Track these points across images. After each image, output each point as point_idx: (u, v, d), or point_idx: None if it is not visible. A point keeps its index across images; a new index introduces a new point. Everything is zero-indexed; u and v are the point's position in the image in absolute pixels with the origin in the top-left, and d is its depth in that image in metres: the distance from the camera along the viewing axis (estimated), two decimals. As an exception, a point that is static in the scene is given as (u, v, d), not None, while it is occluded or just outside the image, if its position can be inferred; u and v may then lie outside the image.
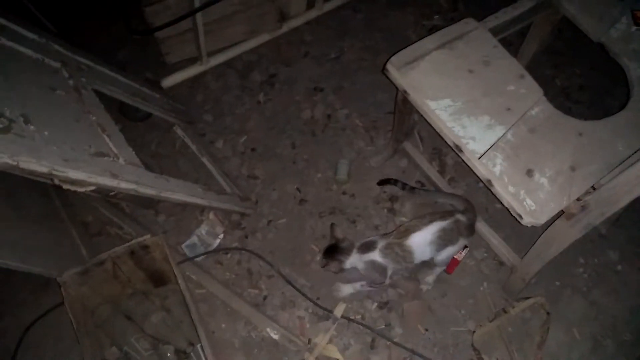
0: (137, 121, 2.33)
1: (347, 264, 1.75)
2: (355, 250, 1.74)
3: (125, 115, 2.28)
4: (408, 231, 1.69)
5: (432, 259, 1.76)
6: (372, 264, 1.73)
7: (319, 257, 1.93)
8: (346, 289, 1.91)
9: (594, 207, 1.30)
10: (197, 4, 2.06)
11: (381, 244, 1.71)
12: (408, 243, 1.68)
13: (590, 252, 2.00)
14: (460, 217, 1.69)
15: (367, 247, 1.73)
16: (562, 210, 1.35)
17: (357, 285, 1.89)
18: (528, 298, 1.87)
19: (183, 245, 2.06)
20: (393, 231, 1.75)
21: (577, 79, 2.47)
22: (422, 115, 1.52)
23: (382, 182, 2.12)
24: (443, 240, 1.68)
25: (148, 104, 2.09)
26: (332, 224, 1.80)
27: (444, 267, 1.89)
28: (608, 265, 1.99)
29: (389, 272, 1.77)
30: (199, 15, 2.13)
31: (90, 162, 1.39)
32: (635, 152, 1.37)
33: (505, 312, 1.86)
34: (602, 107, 2.34)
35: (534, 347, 1.81)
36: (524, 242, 1.85)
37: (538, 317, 1.87)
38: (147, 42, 2.50)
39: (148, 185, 1.54)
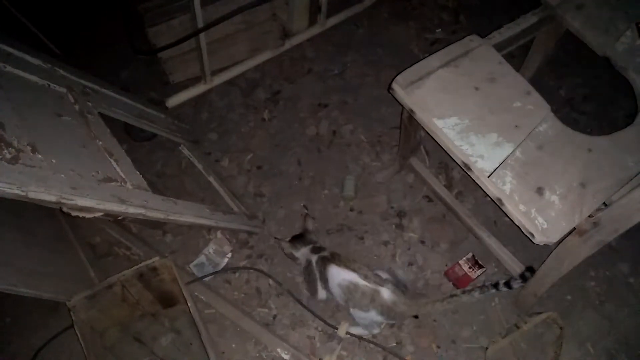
0: (142, 141, 2.34)
1: (298, 253, 1.83)
2: (310, 245, 1.80)
3: (130, 136, 2.29)
4: (334, 260, 1.68)
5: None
6: (307, 265, 1.77)
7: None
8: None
9: (606, 223, 1.29)
10: (200, 24, 2.07)
11: (322, 254, 1.74)
12: (328, 269, 1.68)
13: (601, 264, 1.98)
14: (383, 293, 1.59)
15: (314, 250, 1.78)
16: (573, 227, 1.34)
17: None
18: (540, 313, 1.85)
19: (191, 265, 2.05)
20: (338, 254, 1.73)
21: (582, 89, 2.47)
22: (428, 133, 1.52)
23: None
24: (351, 294, 1.62)
25: (153, 125, 2.09)
26: (306, 215, 1.91)
27: (366, 332, 1.82)
28: (619, 278, 1.97)
29: (320, 289, 1.78)
30: (202, 35, 2.14)
31: (98, 188, 1.39)
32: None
33: (518, 327, 1.84)
34: (607, 118, 2.33)
35: (548, 363, 1.79)
36: (534, 256, 1.84)
37: (551, 332, 1.85)
38: (151, 62, 2.52)
39: (155, 209, 1.53)
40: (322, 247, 1.81)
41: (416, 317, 1.74)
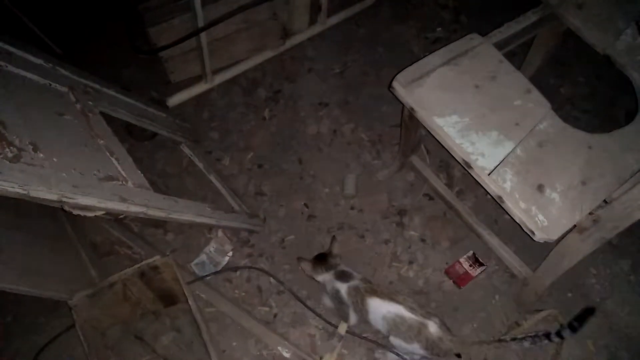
0: (143, 140, 2.34)
1: (319, 277, 1.76)
2: (332, 271, 1.74)
3: (132, 135, 2.29)
4: (375, 292, 1.63)
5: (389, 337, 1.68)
6: (336, 292, 1.72)
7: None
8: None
9: (606, 221, 1.29)
10: (201, 23, 2.07)
11: (353, 283, 1.68)
12: (367, 302, 1.64)
13: (602, 262, 1.99)
14: (431, 327, 1.53)
15: (341, 276, 1.72)
16: (574, 224, 1.34)
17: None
18: (541, 310, 1.86)
19: (192, 264, 2.06)
20: (370, 283, 1.70)
21: (582, 87, 2.47)
22: (429, 131, 1.52)
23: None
24: (396, 327, 1.58)
25: (154, 124, 2.10)
26: (334, 237, 1.80)
27: (406, 357, 1.77)
28: (620, 276, 1.97)
29: (351, 315, 1.74)
30: (203, 35, 2.14)
31: (99, 187, 1.39)
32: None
33: (518, 325, 1.85)
34: (608, 116, 2.33)
35: (549, 361, 1.79)
36: (535, 253, 1.83)
37: (551, 329, 1.84)
38: (151, 62, 2.52)
39: (157, 207, 1.54)
40: (346, 271, 1.74)
41: (459, 356, 1.58)
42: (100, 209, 1.37)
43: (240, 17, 2.28)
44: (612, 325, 1.87)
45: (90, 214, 1.37)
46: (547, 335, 1.38)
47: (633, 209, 1.21)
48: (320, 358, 1.81)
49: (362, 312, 1.67)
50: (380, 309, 1.61)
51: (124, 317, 1.88)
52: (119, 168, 1.56)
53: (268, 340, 1.88)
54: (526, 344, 1.43)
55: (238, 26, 2.40)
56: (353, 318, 1.76)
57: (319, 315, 1.90)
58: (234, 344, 1.89)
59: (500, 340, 1.52)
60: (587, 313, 1.35)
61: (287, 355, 1.84)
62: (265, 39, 2.55)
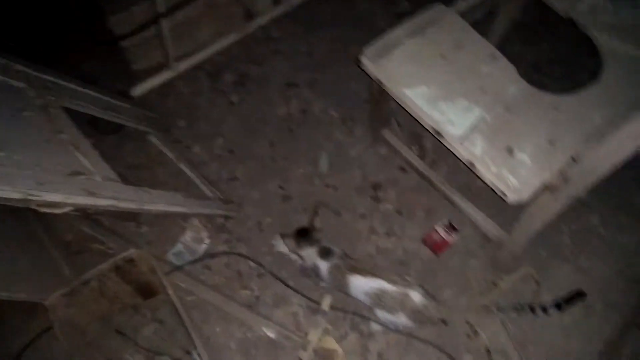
0: (109, 134, 2.27)
1: (303, 251, 1.77)
2: (315, 247, 1.75)
3: (96, 129, 2.22)
4: (356, 269, 1.65)
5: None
6: (317, 268, 1.73)
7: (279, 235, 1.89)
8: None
9: (575, 178, 1.32)
10: (161, 9, 2.01)
11: (334, 261, 1.70)
12: (348, 279, 1.65)
13: (572, 219, 2.04)
14: (414, 297, 1.55)
15: (323, 253, 1.73)
16: (544, 184, 1.37)
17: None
18: (517, 270, 1.91)
19: (169, 254, 2.03)
20: (351, 259, 1.72)
21: (547, 52, 2.51)
22: (399, 104, 1.53)
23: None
24: (380, 300, 1.61)
25: (120, 116, 2.04)
26: (315, 210, 1.81)
27: (389, 325, 1.79)
28: (590, 230, 2.04)
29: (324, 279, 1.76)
30: (164, 21, 2.09)
31: (65, 182, 1.35)
32: (610, 122, 1.40)
33: (496, 285, 1.90)
34: (573, 79, 2.37)
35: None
36: (508, 215, 1.86)
37: (528, 287, 1.90)
38: (113, 52, 2.43)
39: (128, 199, 1.51)
40: (328, 248, 1.75)
41: (445, 322, 1.65)
42: (68, 204, 1.33)
43: (202, 1, 2.23)
44: (585, 279, 1.92)
45: (58, 211, 1.33)
46: (533, 309, 1.41)
47: (600, 165, 1.23)
48: (306, 335, 1.82)
49: (342, 288, 1.69)
50: (362, 285, 1.63)
51: (102, 313, 1.84)
52: (85, 162, 1.52)
53: (252, 322, 1.88)
54: (512, 314, 1.45)
55: (200, 10, 2.33)
56: (327, 298, 1.78)
57: (301, 294, 1.91)
58: (218, 329, 1.89)
59: (486, 308, 1.56)
60: (578, 296, 1.38)
61: (272, 335, 1.85)
62: (229, 22, 2.49)
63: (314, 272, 1.76)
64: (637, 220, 2.05)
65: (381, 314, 1.65)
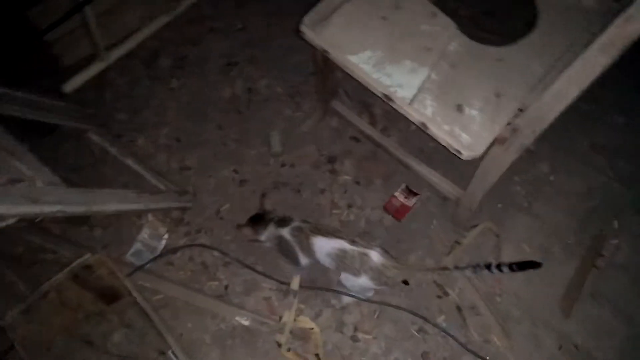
0: (44, 135, 2.14)
1: (263, 235, 1.76)
2: (272, 223, 1.74)
3: (29, 132, 2.07)
4: (318, 231, 1.64)
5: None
6: (280, 239, 1.73)
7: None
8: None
9: (524, 128, 1.34)
10: (81, -4, 1.88)
11: (294, 224, 1.69)
12: (311, 241, 1.65)
13: (523, 169, 2.10)
14: (373, 256, 1.56)
15: (282, 222, 1.72)
16: (495, 137, 1.39)
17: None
18: (476, 226, 1.95)
19: (128, 255, 1.95)
20: (310, 223, 1.70)
21: (480, 6, 2.52)
22: (345, 72, 1.50)
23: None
24: (341, 261, 1.61)
25: (53, 115, 1.92)
26: (262, 194, 1.81)
27: (360, 296, 1.81)
28: (541, 178, 2.11)
29: (302, 258, 1.74)
30: (87, 8, 1.95)
31: (4, 192, 1.27)
32: (551, 69, 1.42)
33: (459, 243, 1.94)
34: (508, 29, 2.39)
35: (491, 270, 1.90)
36: (462, 172, 1.90)
37: (489, 240, 1.96)
38: (37, 48, 2.26)
39: (75, 202, 1.43)
40: (285, 217, 1.74)
41: (406, 283, 1.66)
42: (11, 215, 1.25)
43: (124, -16, 2.10)
44: (542, 225, 2.00)
45: (2, 224, 1.25)
46: (488, 267, 1.44)
47: (546, 112, 1.26)
48: (280, 317, 1.81)
49: (309, 252, 1.69)
50: (325, 246, 1.62)
51: (66, 324, 1.76)
52: (23, 168, 1.43)
53: (224, 313, 1.84)
54: (468, 272, 1.49)
55: (125, -7, 2.21)
56: (303, 260, 1.76)
57: (270, 277, 1.89)
58: (190, 325, 1.84)
59: (444, 269, 1.59)
60: (531, 266, 1.41)
61: (246, 323, 1.82)
62: (157, 4, 2.38)
63: (282, 244, 1.74)
64: (584, 163, 2.13)
65: (346, 278, 1.66)
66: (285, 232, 1.70)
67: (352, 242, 1.58)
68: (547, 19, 1.56)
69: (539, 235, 1.98)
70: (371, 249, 1.57)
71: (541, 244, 1.96)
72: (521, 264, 1.40)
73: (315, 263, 1.74)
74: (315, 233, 1.64)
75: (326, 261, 1.66)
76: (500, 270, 1.42)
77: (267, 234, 1.76)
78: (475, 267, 1.48)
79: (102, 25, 2.13)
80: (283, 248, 1.76)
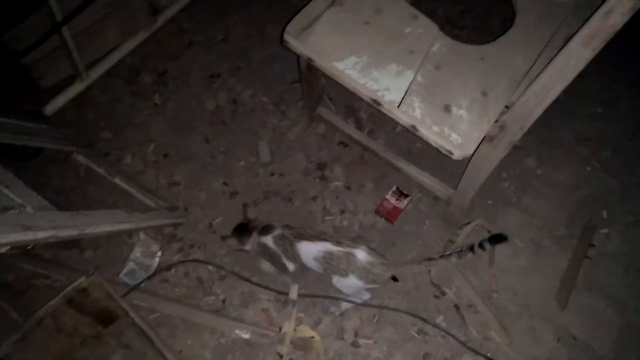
0: (29, 159, 2.10)
1: (248, 245, 1.78)
2: (255, 232, 1.74)
3: (13, 157, 2.04)
4: (302, 236, 1.65)
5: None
6: (264, 247, 1.73)
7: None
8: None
9: (511, 124, 1.36)
10: (59, 17, 1.85)
11: (277, 232, 1.69)
12: (297, 246, 1.65)
13: (510, 165, 2.13)
14: (359, 255, 1.56)
15: (265, 230, 1.73)
16: (484, 135, 1.41)
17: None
18: (468, 223, 1.97)
19: (121, 275, 1.92)
20: (293, 228, 1.71)
21: (457, 5, 2.56)
22: (330, 78, 1.50)
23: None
24: (328, 264, 1.61)
25: (35, 139, 1.89)
26: (244, 204, 1.82)
27: (357, 300, 1.82)
28: (529, 172, 2.13)
29: (288, 264, 1.75)
30: (65, 29, 1.92)
31: (-4, 221, 1.24)
32: (534, 64, 1.45)
33: (452, 242, 1.95)
34: (485, 28, 2.45)
35: (486, 267, 1.92)
36: (452, 171, 1.91)
37: (481, 238, 1.97)
38: (15, 71, 2.22)
39: (67, 226, 1.40)
40: (268, 225, 1.74)
41: (395, 279, 1.70)
42: (4, 244, 1.22)
43: (102, 2, 2.08)
44: (532, 219, 2.03)
45: (-5, 254, 1.22)
46: (471, 248, 1.47)
47: (532, 108, 1.27)
48: (280, 328, 1.80)
49: (295, 258, 1.68)
50: (311, 250, 1.62)
51: (63, 351, 1.72)
52: (11, 195, 1.41)
53: (223, 327, 1.82)
54: (453, 259, 1.51)
55: (102, 12, 2.18)
56: (290, 266, 1.76)
57: (268, 288, 1.88)
58: (189, 341, 1.82)
59: (429, 259, 1.60)
60: (501, 239, 1.45)
61: (246, 336, 1.81)
62: (135, 20, 2.35)
63: (267, 253, 1.74)
64: (569, 155, 2.16)
65: (337, 281, 1.66)
66: (269, 240, 1.70)
67: (337, 243, 1.59)
68: (525, 15, 1.58)
69: (530, 230, 2.00)
70: (356, 248, 1.58)
71: (532, 238, 1.98)
72: (489, 239, 1.44)
73: (303, 268, 1.75)
74: (299, 238, 1.64)
75: (313, 265, 1.66)
76: (483, 248, 1.46)
77: (251, 243, 1.77)
78: (460, 252, 1.51)
79: (80, 44, 2.09)
80: (269, 257, 1.76)
